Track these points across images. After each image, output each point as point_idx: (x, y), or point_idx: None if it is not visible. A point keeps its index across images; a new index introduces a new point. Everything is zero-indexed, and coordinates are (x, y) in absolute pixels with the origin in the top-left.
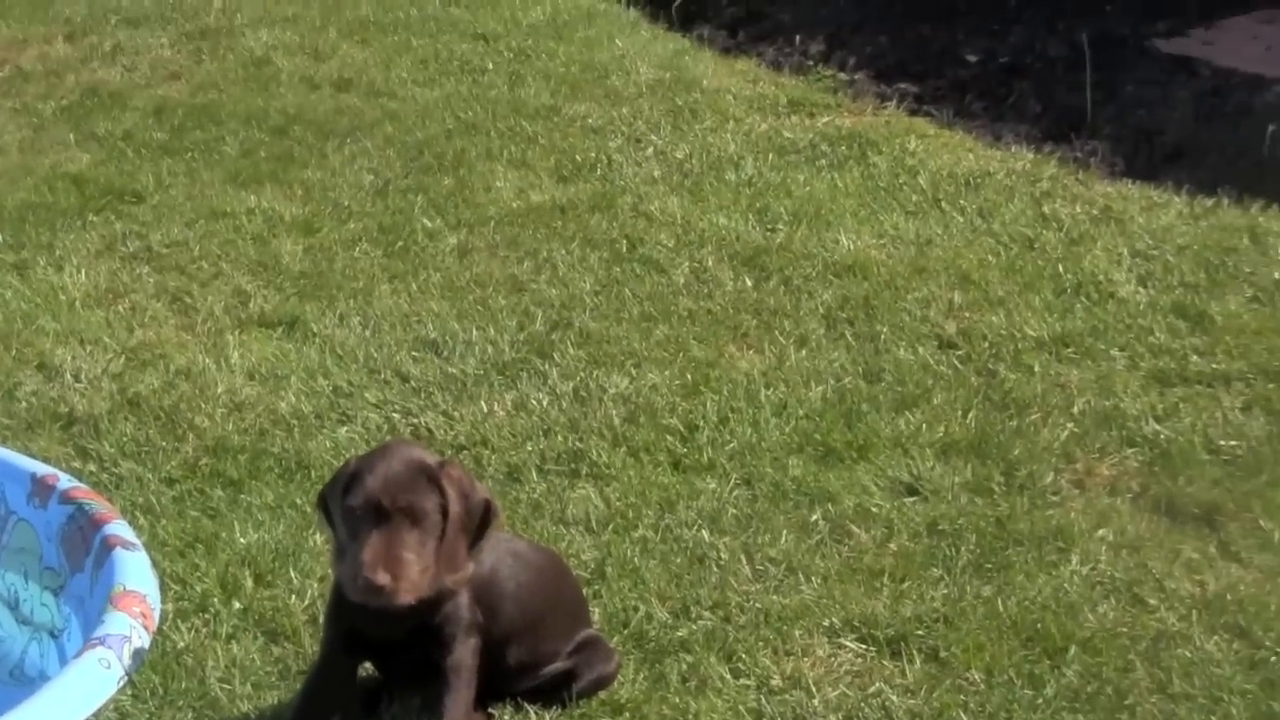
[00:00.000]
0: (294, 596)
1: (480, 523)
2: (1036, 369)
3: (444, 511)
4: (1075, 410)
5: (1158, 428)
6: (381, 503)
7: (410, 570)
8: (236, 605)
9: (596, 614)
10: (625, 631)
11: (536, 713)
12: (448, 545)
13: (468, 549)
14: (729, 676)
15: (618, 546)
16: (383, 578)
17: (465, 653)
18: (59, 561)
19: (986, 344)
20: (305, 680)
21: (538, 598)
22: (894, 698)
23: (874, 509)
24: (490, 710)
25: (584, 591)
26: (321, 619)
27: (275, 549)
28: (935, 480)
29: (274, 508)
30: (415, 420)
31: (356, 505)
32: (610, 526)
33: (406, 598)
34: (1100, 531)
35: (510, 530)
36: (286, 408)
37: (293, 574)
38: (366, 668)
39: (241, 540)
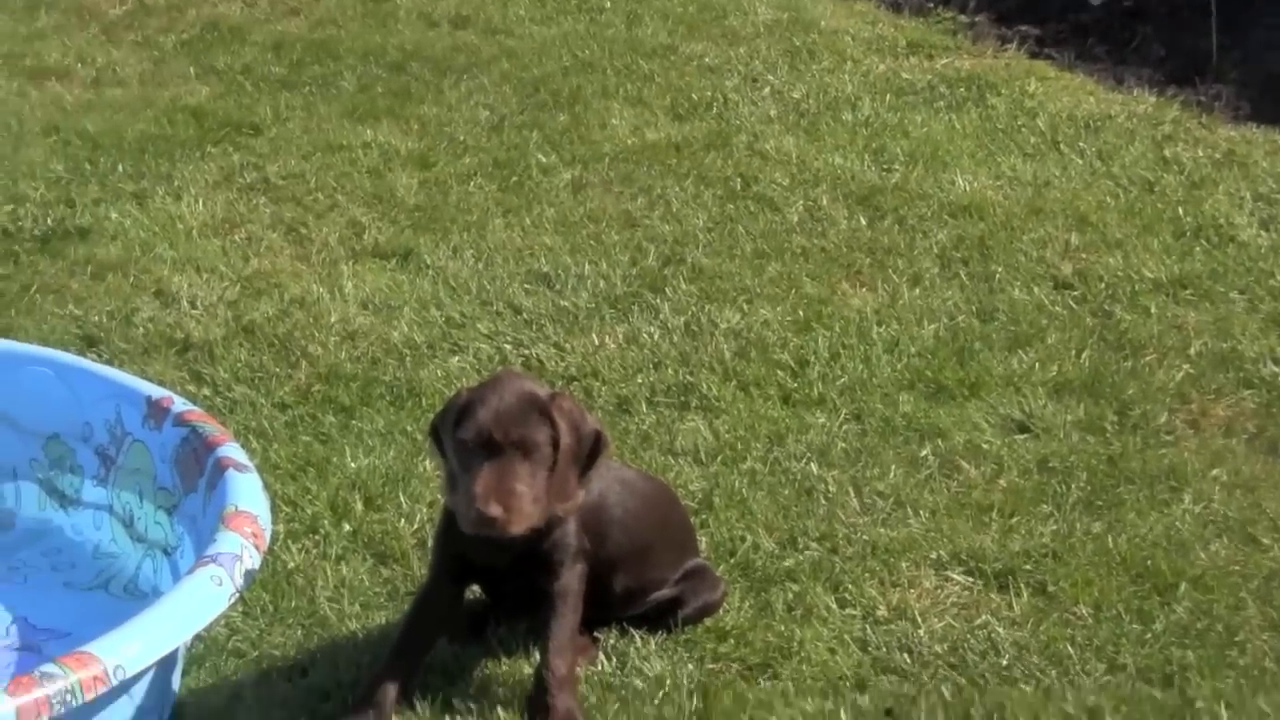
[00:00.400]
0: (403, 520)
1: (590, 453)
2: (1153, 310)
3: (555, 443)
4: (1192, 352)
5: (1276, 370)
6: (493, 436)
7: (522, 502)
8: (346, 528)
9: (704, 543)
10: (732, 561)
11: (642, 638)
12: (558, 476)
13: (578, 479)
14: (835, 606)
15: (726, 478)
16: (494, 510)
17: (572, 578)
18: (173, 482)
19: (1103, 285)
20: (413, 602)
21: (645, 525)
22: (1000, 630)
23: (984, 445)
24: (596, 635)
25: (692, 521)
26: (430, 543)
27: (385, 474)
28: (1047, 418)
29: (384, 434)
30: (526, 351)
31: (469, 438)
32: (719, 458)
33: (518, 529)
34: (1214, 471)
35: (619, 460)
36: (399, 337)
37: (402, 499)
38: (474, 591)
39: (352, 465)
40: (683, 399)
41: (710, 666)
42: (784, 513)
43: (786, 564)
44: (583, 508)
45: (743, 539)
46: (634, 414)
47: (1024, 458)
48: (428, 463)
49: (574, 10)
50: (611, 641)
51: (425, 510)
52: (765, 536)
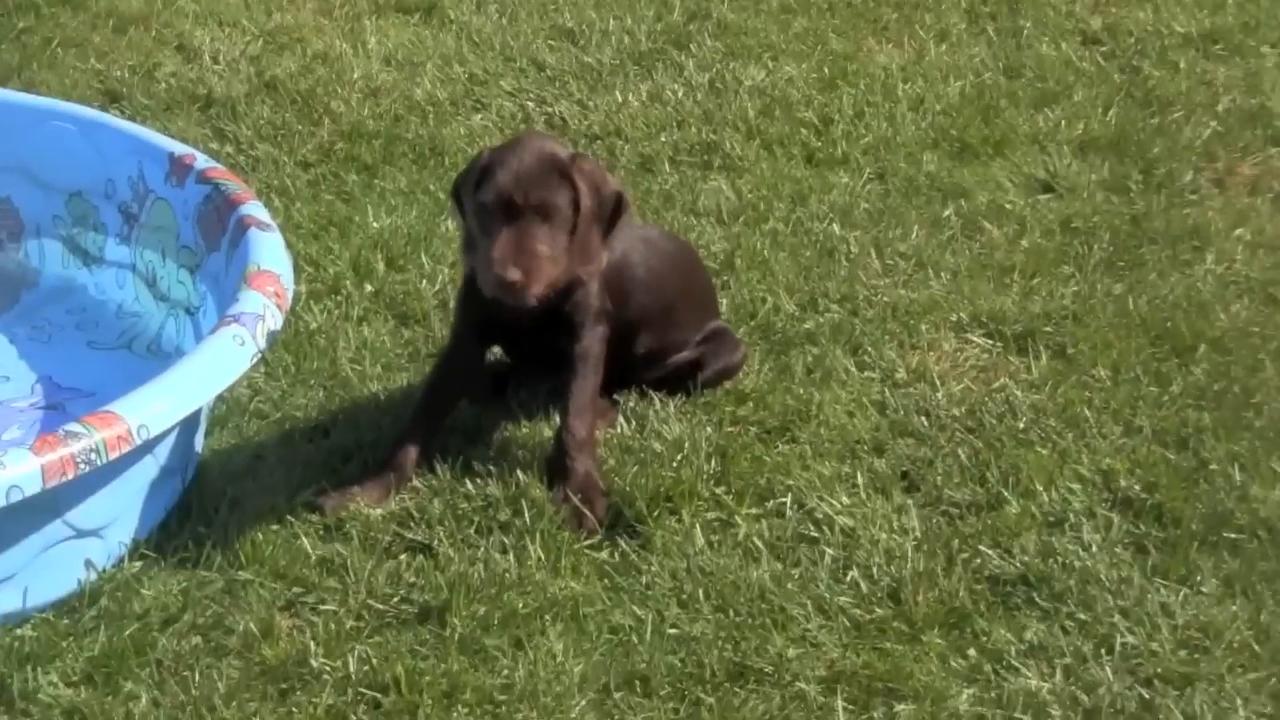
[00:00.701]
0: (425, 281)
1: (612, 214)
2: (1182, 66)
3: (576, 205)
4: (1220, 108)
5: None
6: (513, 199)
7: (542, 265)
8: (368, 288)
9: (724, 305)
10: (752, 323)
11: (661, 401)
12: (580, 238)
13: (600, 240)
14: (854, 369)
15: (748, 238)
16: (514, 273)
17: (593, 340)
18: (195, 240)
19: (1132, 40)
20: (435, 363)
21: (668, 285)
22: (1018, 393)
23: (1008, 205)
24: (615, 398)
25: (713, 282)
26: (452, 304)
27: (407, 234)
28: (1071, 177)
29: (407, 193)
30: (549, 109)
31: (488, 201)
32: (741, 218)
33: (536, 292)
34: (1238, 231)
35: (642, 220)
36: (421, 94)
37: (424, 259)
38: (495, 352)
39: (374, 224)
40: (706, 158)
41: (729, 429)
42: (805, 274)
43: (806, 326)
44: (606, 268)
45: (763, 300)
46: (657, 173)
47: (1047, 218)
48: (450, 223)
49: None
50: (631, 404)
51: (447, 271)
52: (786, 298)
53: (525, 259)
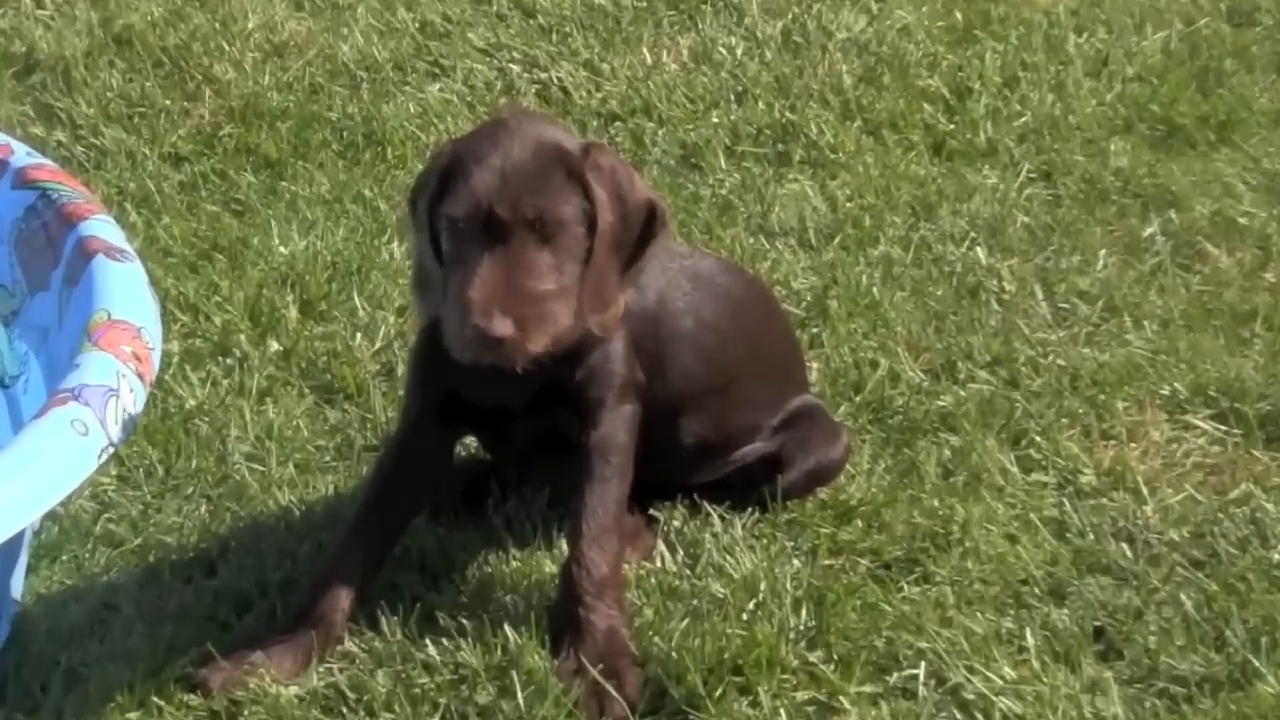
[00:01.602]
0: (359, 336)
1: (642, 234)
2: None
3: (590, 221)
4: None
5: None
6: (496, 212)
7: (541, 312)
8: (274, 346)
9: (814, 372)
10: (858, 398)
11: (723, 517)
12: (595, 270)
13: (624, 273)
14: (1015, 470)
15: (848, 269)
16: (501, 325)
17: (617, 425)
18: (11, 275)
19: None
20: (377, 462)
21: (728, 342)
22: (1268, 505)
23: (1241, 219)
24: (652, 513)
25: (796, 337)
26: (402, 372)
27: (332, 264)
28: None
29: (330, 202)
30: (543, 75)
31: (460, 215)
32: (837, 238)
33: (535, 351)
34: None
35: (686, 244)
36: (350, 52)
37: (358, 302)
38: (469, 444)
39: (281, 249)
40: (781, 148)
41: (826, 563)
42: (936, 324)
43: (941, 404)
44: (634, 318)
45: (873, 364)
46: (708, 170)
47: None
48: (399, 246)
49: None
50: (676, 524)
51: (393, 321)
52: (908, 360)
53: (516, 302)
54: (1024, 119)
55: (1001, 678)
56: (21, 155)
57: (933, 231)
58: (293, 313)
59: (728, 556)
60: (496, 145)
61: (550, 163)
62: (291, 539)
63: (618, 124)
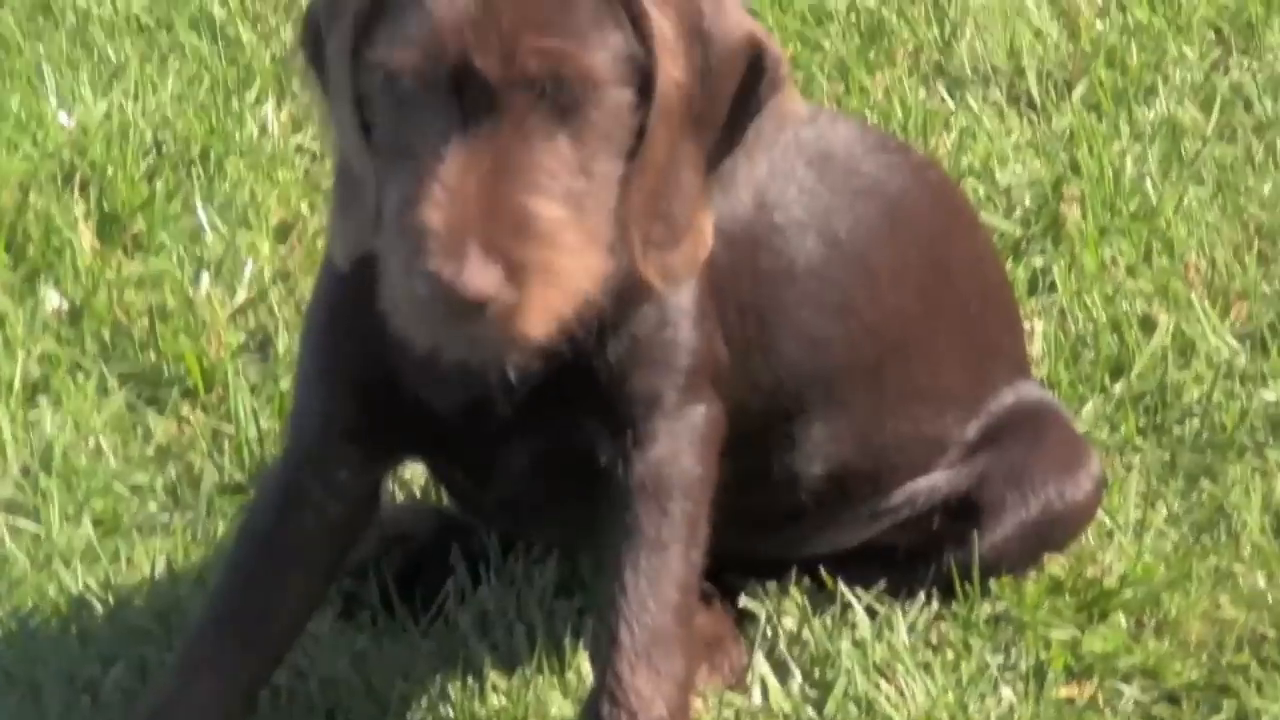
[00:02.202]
0: (206, 277)
1: (738, 99)
2: None
3: (644, 78)
4: None
5: None
6: (474, 64)
7: (554, 250)
8: (52, 300)
9: (1036, 338)
10: (1117, 388)
11: (875, 611)
12: (653, 167)
13: (706, 170)
14: None
15: (1099, 145)
16: (481, 274)
17: (680, 443)
18: None
19: None
20: (248, 513)
21: (885, 281)
22: None
23: None
24: (745, 603)
25: (1007, 277)
26: (292, 350)
27: (156, 144)
28: None
29: (149, 29)
30: None
31: (405, 67)
32: (1079, 87)
33: (539, 328)
34: None
35: (804, 101)
36: None
37: (204, 216)
38: (411, 480)
39: (64, 119)
40: None
41: (1063, 695)
42: (1264, 250)
43: (1271, 398)
44: (723, 245)
45: (1146, 324)
46: None
47: None
48: (283, 107)
49: None
50: (790, 624)
51: (267, 251)
52: (1209, 318)
53: (509, 232)
54: None
55: None
56: None
57: (1259, 70)
58: (85, 237)
59: (882, 682)
60: None
61: None
62: (89, 660)
63: None
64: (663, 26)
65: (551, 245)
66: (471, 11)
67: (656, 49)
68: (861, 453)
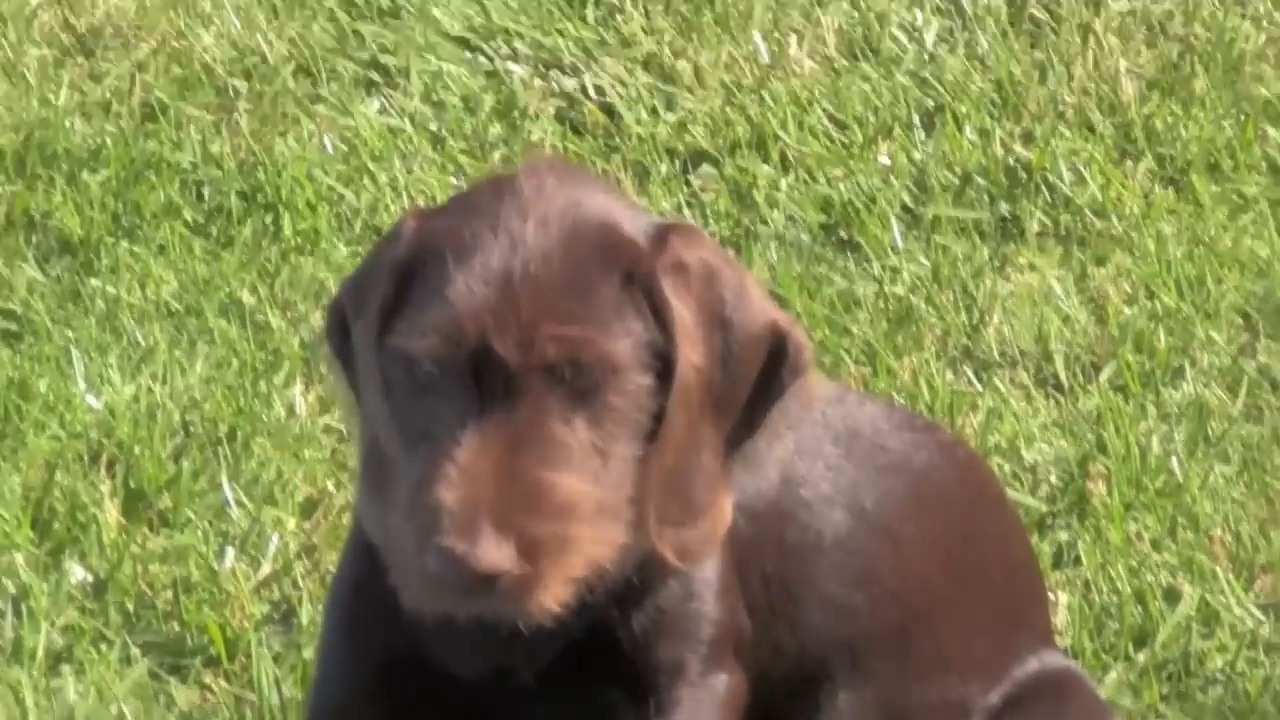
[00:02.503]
0: (231, 553)
1: (759, 384)
2: None
3: (663, 364)
4: None
5: None
6: (496, 350)
7: (569, 529)
8: (77, 573)
9: (1060, 608)
10: (1140, 657)
11: None
12: (673, 449)
13: (726, 453)
14: None
15: (1125, 425)
16: (495, 552)
17: (701, 711)
18: None
19: None
20: None
21: (911, 552)
22: None
23: None
24: None
25: (1031, 547)
26: (315, 623)
27: (183, 426)
28: None
29: (179, 314)
30: (569, 83)
31: (428, 354)
32: (1106, 371)
33: (553, 603)
34: None
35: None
36: (217, 52)
37: (230, 493)
38: None
39: (91, 401)
40: (1005, 210)
41: None
42: None
43: None
44: (747, 520)
45: (1171, 595)
46: (869, 254)
47: None
48: (309, 391)
49: None
50: None
51: (292, 526)
52: (1234, 589)
53: (525, 511)
54: None
55: None
56: None
57: None
58: (111, 513)
59: None
60: (497, 227)
61: (594, 260)
62: None
63: (706, 167)
64: (683, 315)
65: (565, 519)
66: (492, 300)
67: (677, 337)
68: (886, 715)
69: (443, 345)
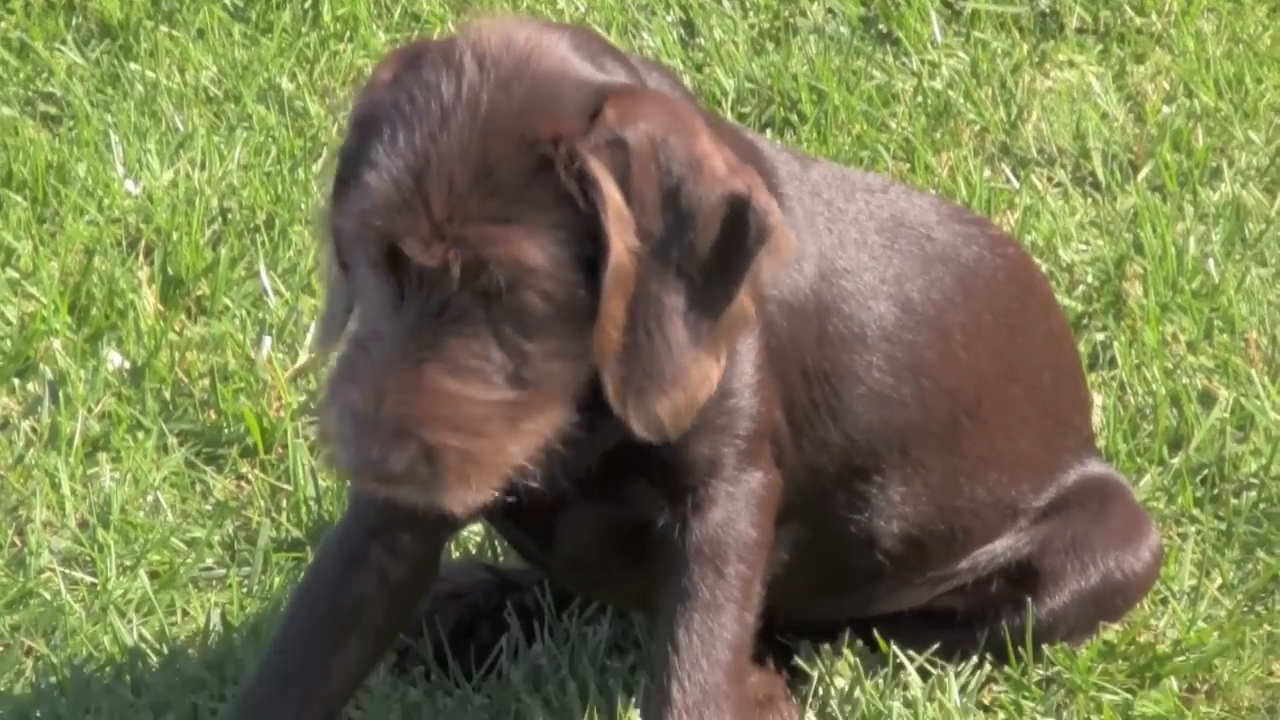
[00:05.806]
0: (268, 341)
1: (727, 249)
2: None
3: (596, 243)
4: None
5: None
6: (400, 249)
7: (474, 439)
8: (114, 360)
9: (1096, 410)
10: (1175, 461)
11: (929, 671)
12: (605, 328)
13: (705, 318)
14: None
15: (1163, 225)
16: (395, 454)
17: (736, 509)
18: None
19: None
20: (308, 573)
21: (959, 346)
22: None
23: None
24: (797, 662)
25: (1075, 345)
26: None
27: (221, 212)
28: None
29: (217, 100)
30: None
31: (349, 233)
32: (1144, 170)
33: (452, 505)
34: None
35: (875, 174)
36: None
37: (267, 281)
38: (466, 537)
39: (130, 187)
40: (1044, 5)
41: None
42: None
43: None
44: (772, 310)
45: (1206, 399)
46: (907, 48)
47: None
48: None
49: None
50: (842, 683)
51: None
52: (1270, 393)
53: (430, 415)
54: None
55: None
56: None
57: None
58: (149, 299)
59: None
60: (430, 101)
61: (517, 146)
62: (142, 709)
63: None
64: (614, 197)
65: (470, 434)
66: (404, 195)
67: (607, 222)
68: (939, 515)
69: (360, 235)
